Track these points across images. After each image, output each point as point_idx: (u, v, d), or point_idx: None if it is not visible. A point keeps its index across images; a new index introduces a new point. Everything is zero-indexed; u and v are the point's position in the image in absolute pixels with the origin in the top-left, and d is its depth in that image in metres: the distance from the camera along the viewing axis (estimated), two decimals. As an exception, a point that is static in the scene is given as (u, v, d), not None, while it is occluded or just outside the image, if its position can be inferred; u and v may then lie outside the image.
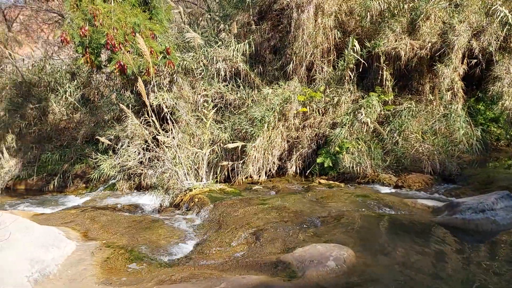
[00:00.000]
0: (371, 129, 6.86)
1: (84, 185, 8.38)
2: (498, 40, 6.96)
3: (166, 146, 6.10)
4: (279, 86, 7.38)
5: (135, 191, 7.37)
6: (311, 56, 7.62)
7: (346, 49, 7.32)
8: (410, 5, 7.36)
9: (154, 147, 6.22)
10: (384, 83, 7.36)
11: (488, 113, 7.53)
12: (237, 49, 7.67)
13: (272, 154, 7.08)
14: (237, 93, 7.65)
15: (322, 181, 6.50)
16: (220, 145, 7.03)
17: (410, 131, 6.64)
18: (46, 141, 9.23)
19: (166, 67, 6.54)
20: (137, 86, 5.87)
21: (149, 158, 6.44)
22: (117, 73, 5.97)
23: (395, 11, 7.46)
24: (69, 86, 9.30)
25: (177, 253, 3.87)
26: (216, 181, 6.70)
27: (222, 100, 7.60)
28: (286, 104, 7.07)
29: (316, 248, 3.20)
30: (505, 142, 7.44)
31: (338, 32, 7.68)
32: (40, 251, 3.29)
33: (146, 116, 6.16)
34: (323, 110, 7.39)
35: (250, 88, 7.75)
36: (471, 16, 7.05)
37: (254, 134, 6.82)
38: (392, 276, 2.88)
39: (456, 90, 7.23)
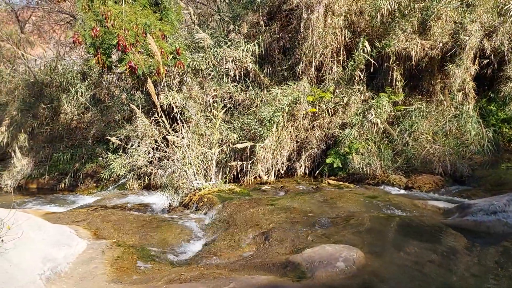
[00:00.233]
0: (381, 130, 6.82)
1: (94, 184, 8.47)
2: (511, 40, 6.87)
3: (176, 146, 6.13)
4: (288, 86, 7.37)
5: (145, 190, 7.43)
6: (320, 56, 7.61)
7: (356, 49, 7.29)
8: (421, 5, 7.31)
9: (164, 147, 6.25)
10: (394, 83, 7.31)
11: (500, 114, 7.43)
12: (246, 50, 7.68)
13: (281, 154, 7.07)
14: (246, 93, 7.66)
15: (331, 181, 6.48)
16: (229, 145, 7.06)
17: (420, 132, 6.58)
18: (57, 140, 9.35)
19: (176, 67, 6.57)
20: (147, 87, 5.90)
21: (158, 157, 6.48)
22: (128, 74, 6.02)
23: (406, 11, 7.41)
24: (80, 86, 9.41)
25: (186, 252, 3.90)
26: (225, 181, 6.71)
27: (231, 100, 7.62)
28: (295, 104, 7.06)
29: (325, 249, 3.20)
30: (517, 144, 7.34)
31: (348, 32, 7.65)
32: (52, 250, 3.33)
33: (156, 116, 6.20)
34: (332, 110, 7.37)
35: (259, 88, 7.76)
36: (483, 16, 6.97)
37: (263, 134, 6.82)
38: (402, 278, 2.87)
39: (467, 90, 7.16)
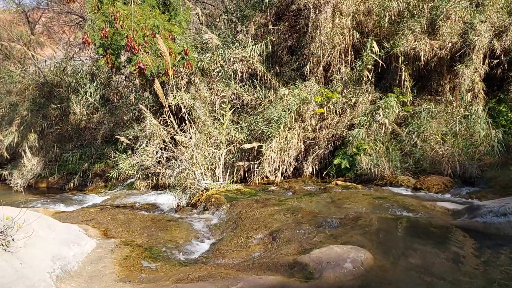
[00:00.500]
0: (389, 131, 6.79)
1: (103, 184, 8.54)
2: (521, 40, 6.80)
3: (184, 146, 6.16)
4: (296, 86, 7.37)
5: (153, 190, 7.48)
6: (328, 56, 7.59)
7: (364, 49, 7.27)
8: (430, 5, 7.26)
9: (172, 147, 6.29)
10: (402, 83, 7.27)
11: (510, 114, 7.34)
12: (254, 50, 7.70)
13: (288, 154, 7.07)
14: (253, 93, 7.68)
15: (339, 182, 6.46)
16: (236, 145, 7.07)
17: (429, 133, 6.54)
18: (67, 140, 9.45)
19: (184, 68, 6.60)
20: (155, 87, 5.94)
21: (166, 157, 6.52)
22: (137, 74, 6.07)
23: (415, 11, 7.37)
24: (89, 87, 9.50)
25: (194, 252, 3.91)
26: (233, 181, 6.73)
27: (238, 101, 7.64)
28: (302, 104, 7.05)
29: (333, 250, 3.19)
30: (528, 145, 7.26)
31: (356, 33, 7.63)
32: (61, 248, 3.36)
33: (164, 116, 6.24)
34: (340, 111, 7.35)
35: (267, 88, 7.77)
36: (492, 16, 6.91)
37: (270, 135, 6.83)
38: (410, 279, 2.85)
39: (476, 91, 7.10)
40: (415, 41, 7.07)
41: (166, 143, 6.34)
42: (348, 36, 7.60)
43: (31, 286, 2.70)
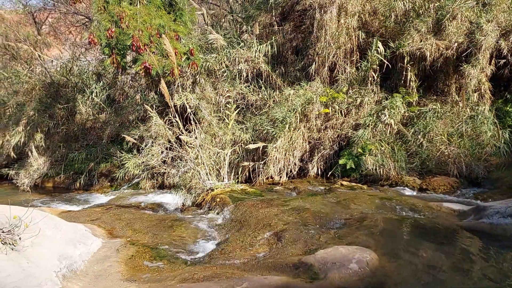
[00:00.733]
0: (395, 131, 6.76)
1: (109, 183, 8.58)
2: (529, 40, 6.75)
3: (189, 146, 6.18)
4: (301, 87, 7.36)
5: (158, 190, 7.50)
6: (333, 56, 7.57)
7: (370, 49, 7.24)
8: (436, 4, 7.22)
9: (177, 147, 6.31)
10: (408, 84, 7.23)
11: (517, 115, 7.30)
12: (259, 50, 7.70)
13: (293, 155, 7.06)
14: (258, 94, 7.68)
15: (344, 182, 6.44)
16: (241, 145, 7.07)
17: (435, 133, 6.50)
18: (73, 140, 9.50)
19: (190, 68, 6.62)
20: (161, 88, 5.97)
21: (172, 157, 6.54)
22: (142, 74, 6.09)
23: (420, 11, 7.33)
24: (95, 87, 9.55)
25: (199, 252, 3.93)
26: (238, 182, 6.73)
27: (243, 101, 7.64)
28: (308, 105, 7.04)
29: (339, 250, 3.19)
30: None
31: (362, 33, 7.60)
32: (68, 248, 3.39)
33: (170, 116, 6.26)
34: (345, 111, 7.32)
35: (272, 89, 7.76)
36: (499, 15, 6.86)
37: (275, 135, 6.82)
38: (416, 281, 2.84)
39: (483, 91, 7.06)
40: (421, 41, 7.04)
41: (172, 143, 6.36)
42: (354, 36, 7.57)
43: (38, 285, 2.72)
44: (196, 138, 6.22)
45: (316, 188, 6.40)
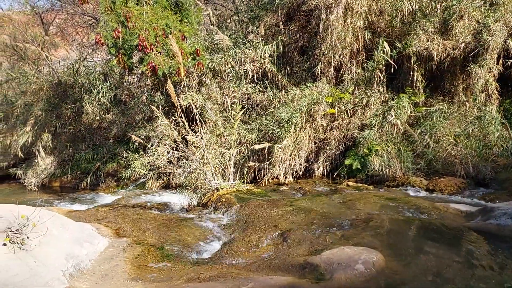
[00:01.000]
0: (401, 131, 6.73)
1: (115, 183, 8.63)
2: (537, 40, 6.69)
3: (195, 146, 6.19)
4: (307, 87, 7.35)
5: (164, 190, 7.53)
6: (339, 56, 7.56)
7: (376, 49, 7.22)
8: (443, 4, 7.18)
9: (183, 147, 6.32)
10: (415, 84, 7.20)
11: (525, 115, 7.24)
12: (264, 51, 7.70)
13: (298, 155, 7.06)
14: (264, 94, 7.68)
15: (350, 183, 6.42)
16: (247, 145, 7.08)
17: (442, 134, 6.47)
18: (80, 140, 9.57)
19: (196, 68, 6.64)
20: (167, 88, 5.99)
21: (178, 157, 6.56)
22: (149, 74, 6.12)
23: (427, 11, 7.30)
24: (102, 87, 9.61)
25: (205, 251, 3.93)
26: (243, 182, 6.74)
27: (249, 101, 7.65)
28: (313, 105, 7.03)
29: (345, 251, 3.18)
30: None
31: (368, 33, 7.58)
32: (75, 247, 3.41)
33: (176, 116, 6.28)
34: (351, 111, 7.31)
35: (278, 89, 7.76)
36: (507, 15, 6.81)
37: (281, 135, 6.82)
38: (422, 282, 2.83)
39: (490, 91, 7.01)
40: (427, 41, 7.00)
41: (178, 143, 6.38)
42: (360, 36, 7.55)
43: (45, 284, 2.74)
44: (202, 138, 6.23)
45: (322, 188, 6.39)
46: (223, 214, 5.07)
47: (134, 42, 5.89)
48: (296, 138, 6.95)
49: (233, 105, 7.15)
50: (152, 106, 6.79)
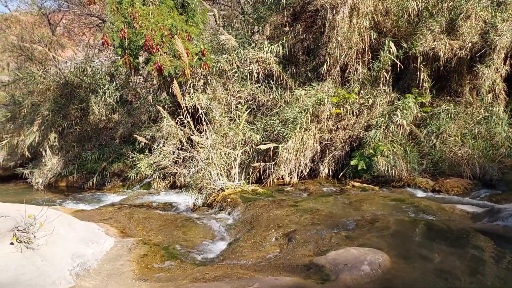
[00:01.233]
0: (407, 132, 6.69)
1: (121, 183, 8.67)
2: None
3: (200, 146, 6.21)
4: (312, 87, 7.34)
5: (170, 190, 7.56)
6: (345, 57, 7.54)
7: (382, 50, 7.19)
8: (449, 4, 7.14)
9: (189, 147, 6.34)
10: (421, 84, 7.16)
11: (532, 116, 7.17)
12: (270, 51, 7.70)
13: (304, 155, 7.05)
14: (269, 94, 7.68)
15: (356, 184, 6.40)
16: (252, 146, 7.08)
17: (448, 134, 6.42)
18: (86, 140, 9.62)
19: (201, 68, 6.65)
20: (173, 88, 6.00)
21: (183, 157, 6.57)
22: (155, 74, 6.14)
23: (434, 11, 7.26)
24: (108, 88, 9.66)
25: (210, 252, 3.94)
26: (248, 182, 6.74)
27: (254, 102, 7.65)
28: (319, 105, 7.02)
29: (350, 252, 3.17)
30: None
31: (374, 33, 7.55)
32: (81, 246, 3.43)
33: (181, 117, 6.30)
34: (357, 111, 7.28)
35: (283, 89, 7.76)
36: (515, 15, 6.76)
37: (286, 136, 6.82)
38: (429, 283, 2.81)
39: (497, 91, 6.96)
40: (434, 41, 6.96)
41: (183, 143, 6.39)
42: (366, 36, 7.53)
43: (51, 283, 2.76)
44: (207, 138, 6.24)
45: (327, 189, 6.38)
46: (228, 214, 5.07)
47: (140, 42, 5.91)
48: (302, 138, 6.94)
49: (238, 106, 7.16)
50: (158, 106, 6.81)
